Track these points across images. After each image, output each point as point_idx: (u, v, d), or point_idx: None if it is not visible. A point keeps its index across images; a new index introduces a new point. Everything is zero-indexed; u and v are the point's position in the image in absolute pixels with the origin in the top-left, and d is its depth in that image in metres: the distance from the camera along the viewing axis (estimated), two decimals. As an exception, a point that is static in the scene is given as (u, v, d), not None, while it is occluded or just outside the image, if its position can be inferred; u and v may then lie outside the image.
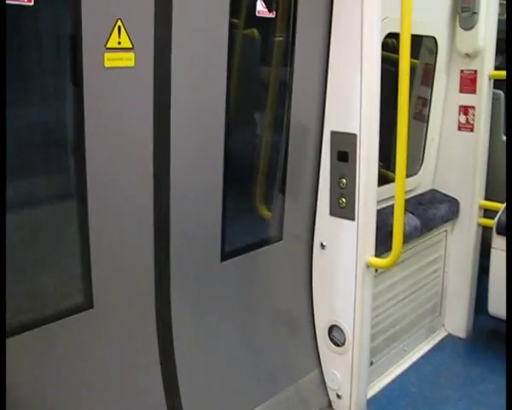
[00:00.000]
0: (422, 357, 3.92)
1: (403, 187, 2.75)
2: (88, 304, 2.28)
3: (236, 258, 2.86)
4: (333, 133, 2.97)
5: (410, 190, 3.79)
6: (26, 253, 2.14)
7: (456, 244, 4.07)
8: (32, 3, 1.87)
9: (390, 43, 3.31)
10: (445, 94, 3.89)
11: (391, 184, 3.35)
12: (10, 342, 2.04)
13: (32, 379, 2.17)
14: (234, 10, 2.54)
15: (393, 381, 3.64)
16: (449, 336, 4.21)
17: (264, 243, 3.03)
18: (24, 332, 2.11)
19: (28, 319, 2.13)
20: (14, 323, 2.08)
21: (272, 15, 2.73)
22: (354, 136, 2.85)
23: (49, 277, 2.22)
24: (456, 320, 4.18)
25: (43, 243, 2.19)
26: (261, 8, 2.66)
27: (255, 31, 2.86)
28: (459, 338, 4.18)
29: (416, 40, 3.37)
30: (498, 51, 3.80)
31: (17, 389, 2.12)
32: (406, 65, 2.61)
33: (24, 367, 2.14)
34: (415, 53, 3.46)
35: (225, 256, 2.80)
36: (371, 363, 3.43)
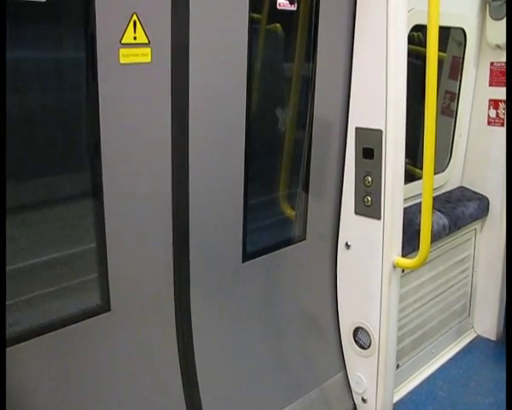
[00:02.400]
0: (451, 360, 3.84)
1: (431, 184, 2.66)
2: (105, 307, 2.23)
3: (258, 258, 2.80)
4: (357, 129, 2.89)
5: (438, 188, 3.70)
6: (40, 254, 2.11)
7: (486, 243, 3.97)
8: None
9: (416, 36, 3.22)
10: (473, 88, 3.80)
11: (418, 182, 3.27)
12: (25, 346, 2.03)
13: (49, 382, 2.14)
14: (255, 4, 2.47)
15: (421, 384, 3.57)
16: (478, 338, 4.11)
17: (287, 242, 2.96)
18: (40, 335, 2.07)
19: (44, 322, 2.09)
20: (29, 326, 2.05)
21: (294, 8, 2.66)
22: (380, 132, 2.76)
23: (64, 279, 2.18)
24: (486, 322, 4.09)
25: (58, 244, 2.15)
26: (282, 1, 2.59)
27: (278, 26, 2.79)
28: (489, 340, 4.08)
29: (444, 32, 3.28)
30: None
31: (33, 392, 2.09)
32: (434, 58, 2.52)
33: (40, 370, 2.11)
34: (442, 45, 3.37)
35: (247, 257, 2.73)
36: (398, 366, 3.36)
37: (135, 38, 2.05)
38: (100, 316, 2.23)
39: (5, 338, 1.75)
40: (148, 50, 2.11)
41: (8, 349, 1.92)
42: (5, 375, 1.56)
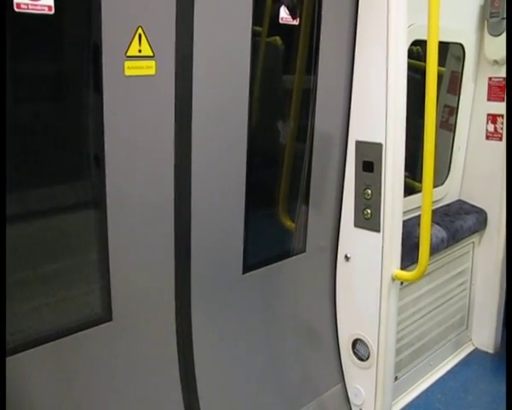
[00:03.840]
0: (449, 372, 3.84)
1: (430, 198, 2.68)
2: (107, 317, 2.24)
3: (258, 270, 2.81)
4: (358, 143, 2.91)
5: (437, 201, 3.73)
6: (44, 264, 2.12)
7: (484, 256, 3.99)
8: (52, 12, 1.85)
9: (415, 51, 3.25)
10: (472, 102, 3.83)
11: (417, 195, 3.29)
12: (27, 355, 2.03)
13: (50, 392, 2.15)
14: (257, 18, 2.50)
15: (419, 397, 3.57)
16: (476, 351, 4.12)
17: (287, 254, 2.98)
18: (42, 345, 2.08)
19: (46, 332, 2.10)
20: (32, 335, 2.05)
21: (296, 22, 2.69)
22: (380, 145, 2.79)
23: (67, 289, 2.19)
24: (484, 334, 4.10)
25: (62, 253, 2.16)
26: (284, 15, 2.62)
27: (278, 38, 2.81)
28: (487, 353, 4.09)
29: (443, 47, 3.31)
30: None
31: (33, 402, 2.10)
32: (433, 73, 2.55)
33: (42, 380, 2.11)
34: (441, 60, 3.40)
35: (247, 268, 2.75)
36: (396, 378, 3.36)
37: (140, 51, 2.08)
38: (101, 326, 2.23)
39: (5, 344, 1.75)
40: (152, 63, 2.13)
41: (8, 359, 1.92)
42: (5, 384, 1.56)
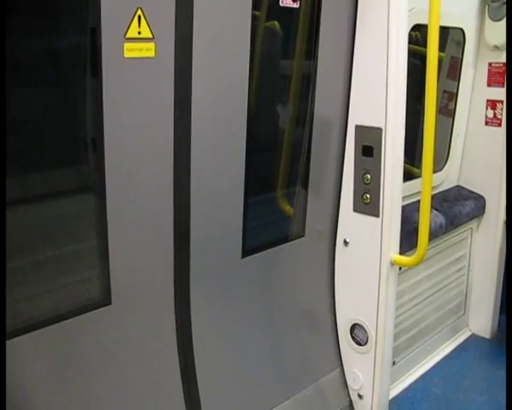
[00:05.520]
0: (446, 357, 3.87)
1: (429, 183, 2.68)
2: (106, 300, 2.24)
3: (257, 254, 2.81)
4: (357, 127, 2.90)
5: (435, 187, 3.72)
6: (43, 249, 2.11)
7: (482, 242, 4.00)
8: None
9: (414, 36, 3.24)
10: (471, 88, 3.81)
11: (416, 180, 3.29)
12: (27, 338, 2.04)
13: (50, 376, 2.15)
14: (256, 1, 2.48)
15: (416, 381, 3.59)
16: (473, 336, 4.14)
17: (286, 239, 2.98)
18: (41, 328, 2.08)
19: (45, 315, 2.10)
20: (31, 319, 2.05)
21: (296, 5, 2.67)
22: (379, 130, 2.78)
23: (66, 273, 2.18)
24: (481, 320, 4.12)
25: (61, 238, 2.16)
26: (286, -2, 2.60)
27: (276, 23, 2.79)
28: (483, 338, 4.11)
29: (443, 32, 3.29)
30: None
31: (33, 384, 2.10)
32: (434, 58, 2.54)
33: (41, 363, 2.11)
34: (441, 45, 3.37)
35: (246, 252, 2.74)
36: (394, 363, 3.38)
37: (139, 33, 2.06)
38: (101, 309, 2.24)
39: (5, 336, 1.75)
40: (152, 45, 2.11)
41: (8, 342, 1.93)
42: (5, 369, 1.56)
